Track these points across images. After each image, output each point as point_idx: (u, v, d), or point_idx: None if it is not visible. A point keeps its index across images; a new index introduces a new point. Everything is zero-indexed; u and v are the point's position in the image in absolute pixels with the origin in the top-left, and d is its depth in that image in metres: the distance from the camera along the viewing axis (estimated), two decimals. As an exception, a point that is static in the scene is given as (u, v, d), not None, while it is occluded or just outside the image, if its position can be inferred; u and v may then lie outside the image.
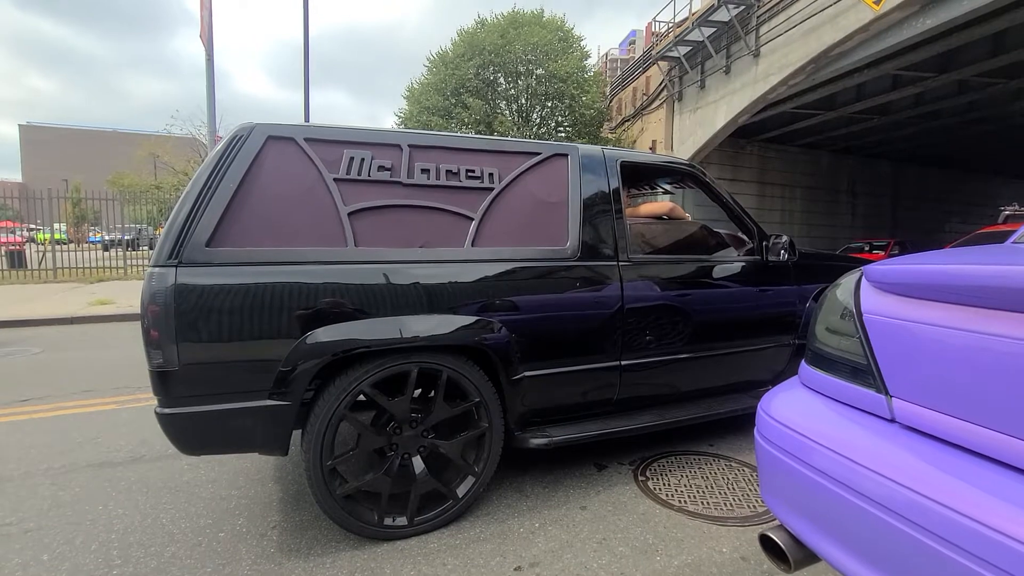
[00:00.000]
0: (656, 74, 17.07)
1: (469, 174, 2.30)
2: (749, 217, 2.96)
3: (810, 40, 10.93)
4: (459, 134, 2.44)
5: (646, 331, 2.51)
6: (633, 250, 2.61)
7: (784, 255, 2.87)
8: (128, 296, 9.28)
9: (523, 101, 20.28)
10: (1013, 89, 12.88)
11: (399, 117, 21.84)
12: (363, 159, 2.15)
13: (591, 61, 21.44)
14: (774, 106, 14.33)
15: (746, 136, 17.49)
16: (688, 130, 15.87)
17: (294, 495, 2.49)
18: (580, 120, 19.44)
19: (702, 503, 2.40)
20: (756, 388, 3.01)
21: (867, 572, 1.03)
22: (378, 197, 2.15)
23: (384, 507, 2.10)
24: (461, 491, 2.23)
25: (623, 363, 2.48)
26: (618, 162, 2.63)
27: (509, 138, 2.55)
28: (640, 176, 3.44)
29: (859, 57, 10.65)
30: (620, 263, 2.48)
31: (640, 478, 2.64)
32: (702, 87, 14.99)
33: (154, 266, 1.83)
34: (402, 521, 2.12)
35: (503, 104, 20.35)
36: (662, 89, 16.81)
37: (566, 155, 2.52)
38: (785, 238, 2.86)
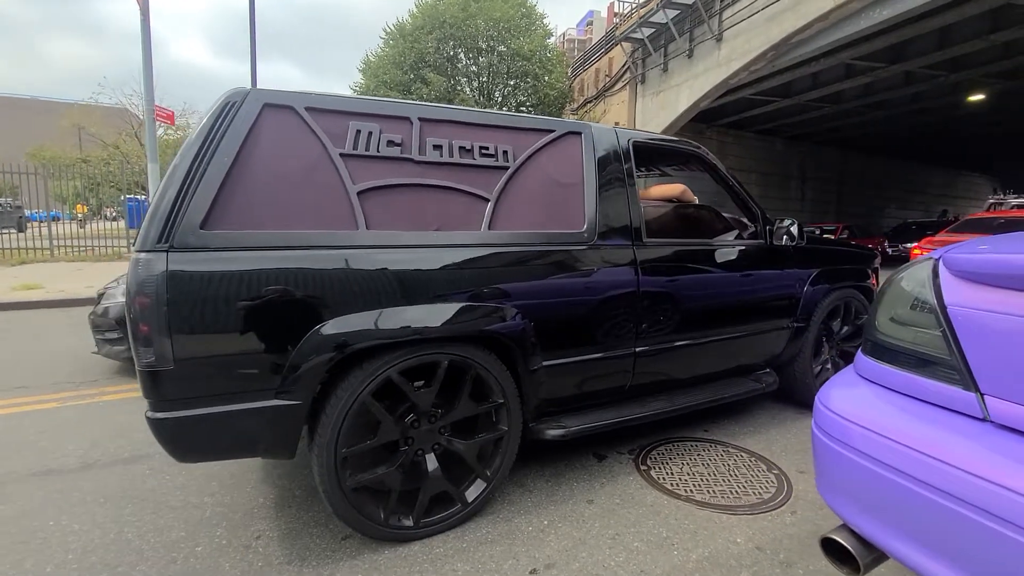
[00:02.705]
0: (619, 55, 17.00)
1: (483, 151, 2.12)
2: (754, 201, 2.94)
3: (772, 27, 11.09)
4: (469, 108, 2.24)
5: (661, 315, 2.43)
6: (647, 232, 2.52)
7: (788, 240, 2.88)
8: (57, 280, 8.45)
9: (484, 79, 19.77)
10: (954, 82, 13.62)
11: (355, 91, 20.89)
12: (371, 132, 1.93)
13: (551, 40, 21.10)
14: (734, 92, 14.57)
15: (706, 121, 17.77)
16: (651, 113, 15.94)
17: (276, 500, 2.27)
18: (544, 100, 19.17)
19: (708, 492, 2.37)
20: (755, 371, 3.02)
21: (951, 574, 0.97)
22: (388, 175, 1.94)
23: (392, 506, 1.95)
24: (471, 495, 2.10)
25: (638, 349, 2.40)
26: (630, 142, 2.52)
27: (521, 114, 2.38)
28: (647, 157, 3.33)
29: (818, 45, 10.91)
30: (635, 245, 2.38)
31: (642, 467, 2.58)
32: (665, 70, 15.03)
33: (140, 251, 1.57)
34: (408, 522, 1.97)
35: (464, 81, 19.78)
36: (625, 71, 16.77)
37: (580, 133, 2.38)
38: (789, 221, 2.86)
